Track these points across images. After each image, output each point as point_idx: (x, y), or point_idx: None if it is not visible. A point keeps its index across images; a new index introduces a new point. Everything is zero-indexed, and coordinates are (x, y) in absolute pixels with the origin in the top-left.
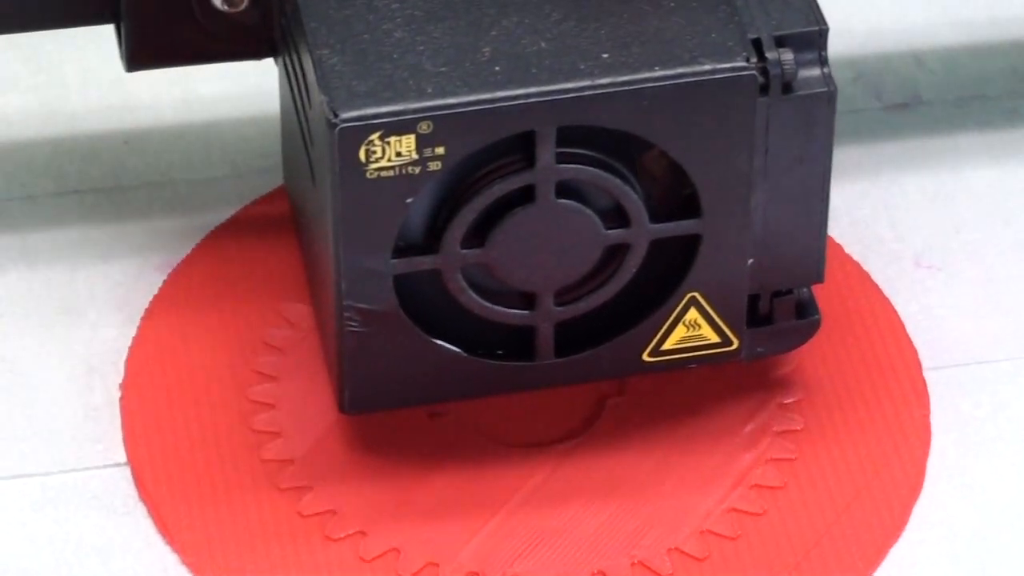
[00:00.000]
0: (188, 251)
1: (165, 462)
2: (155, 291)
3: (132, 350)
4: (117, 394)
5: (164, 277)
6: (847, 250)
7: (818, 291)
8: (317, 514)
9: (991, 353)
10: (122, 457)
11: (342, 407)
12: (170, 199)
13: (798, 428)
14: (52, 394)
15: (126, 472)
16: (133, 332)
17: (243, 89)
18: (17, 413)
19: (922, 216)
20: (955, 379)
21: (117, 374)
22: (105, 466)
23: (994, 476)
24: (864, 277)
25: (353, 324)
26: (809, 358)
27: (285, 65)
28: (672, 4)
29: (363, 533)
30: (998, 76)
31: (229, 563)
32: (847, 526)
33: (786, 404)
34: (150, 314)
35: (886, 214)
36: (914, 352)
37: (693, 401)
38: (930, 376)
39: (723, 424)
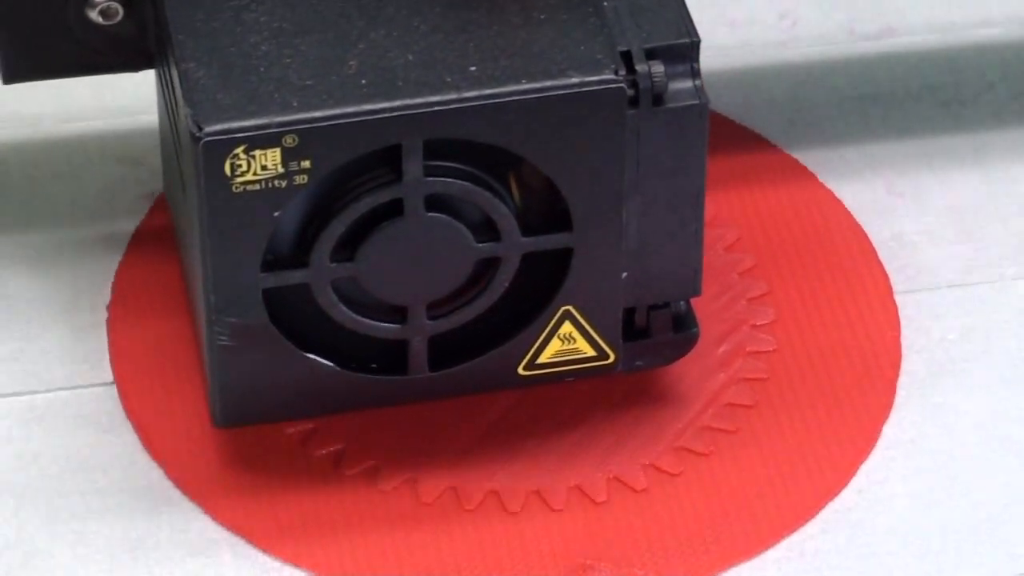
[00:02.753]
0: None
1: (150, 381)
2: (143, 214)
3: (119, 272)
4: (104, 315)
5: (152, 202)
6: (820, 178)
7: (791, 216)
8: (298, 431)
9: (961, 278)
10: (109, 376)
11: (215, 421)
12: (154, 133)
13: (770, 349)
14: (40, 315)
15: (112, 391)
16: (120, 255)
17: None
18: (6, 334)
19: (893, 146)
20: (925, 302)
21: (104, 295)
22: (92, 385)
23: (962, 396)
24: (837, 204)
25: (224, 338)
26: (782, 281)
27: (159, 77)
28: (542, 16)
29: (343, 450)
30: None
31: (212, 476)
32: (819, 443)
33: (759, 326)
34: (137, 236)
35: (858, 145)
36: (885, 276)
37: None
38: (901, 299)
39: (697, 345)
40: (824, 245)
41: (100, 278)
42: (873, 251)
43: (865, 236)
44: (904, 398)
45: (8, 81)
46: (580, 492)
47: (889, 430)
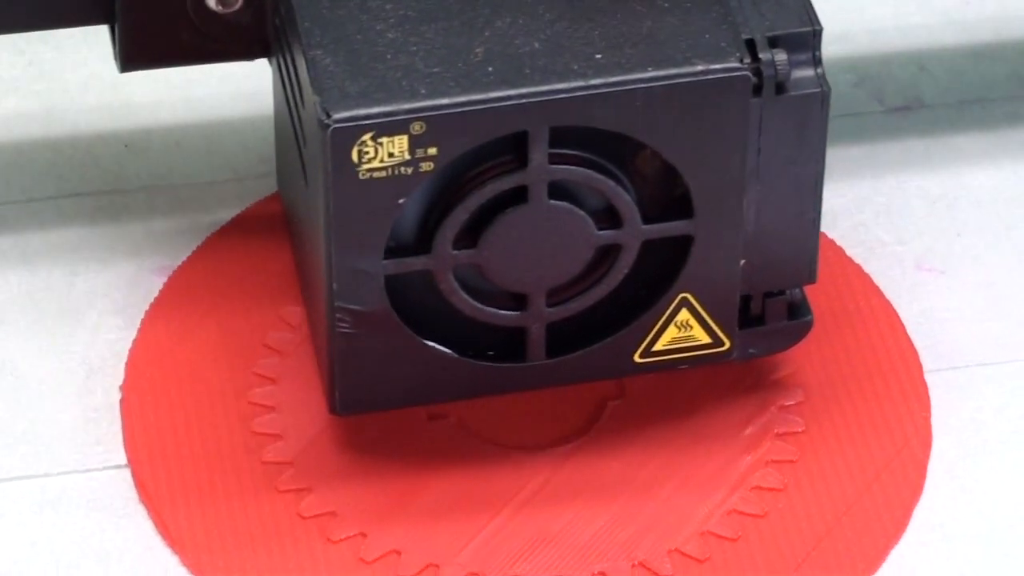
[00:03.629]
0: (188, 254)
1: (165, 464)
2: (155, 294)
3: (132, 352)
4: (117, 396)
5: (164, 280)
6: (848, 252)
7: (819, 293)
8: (317, 516)
9: (992, 356)
10: (122, 459)
11: (333, 408)
12: (170, 202)
13: (799, 430)
14: (52, 396)
15: (126, 474)
16: (133, 335)
17: (241, 92)
18: (18, 415)
19: (923, 219)
20: (956, 382)
21: (117, 376)
22: (105, 468)
23: (995, 479)
24: (865, 279)
25: (344, 325)
26: (810, 360)
27: (279, 65)
28: (666, 4)
29: (363, 534)
30: (999, 79)
31: (229, 564)
32: (848, 528)
33: (787, 406)
34: (150, 316)
35: (887, 217)
36: (915, 354)
37: (693, 403)
38: (931, 379)
39: (723, 426)
40: (852, 322)
41: (113, 357)
42: (903, 328)
43: (894, 313)
44: (935, 480)
45: (124, 69)
46: None
47: (920, 514)
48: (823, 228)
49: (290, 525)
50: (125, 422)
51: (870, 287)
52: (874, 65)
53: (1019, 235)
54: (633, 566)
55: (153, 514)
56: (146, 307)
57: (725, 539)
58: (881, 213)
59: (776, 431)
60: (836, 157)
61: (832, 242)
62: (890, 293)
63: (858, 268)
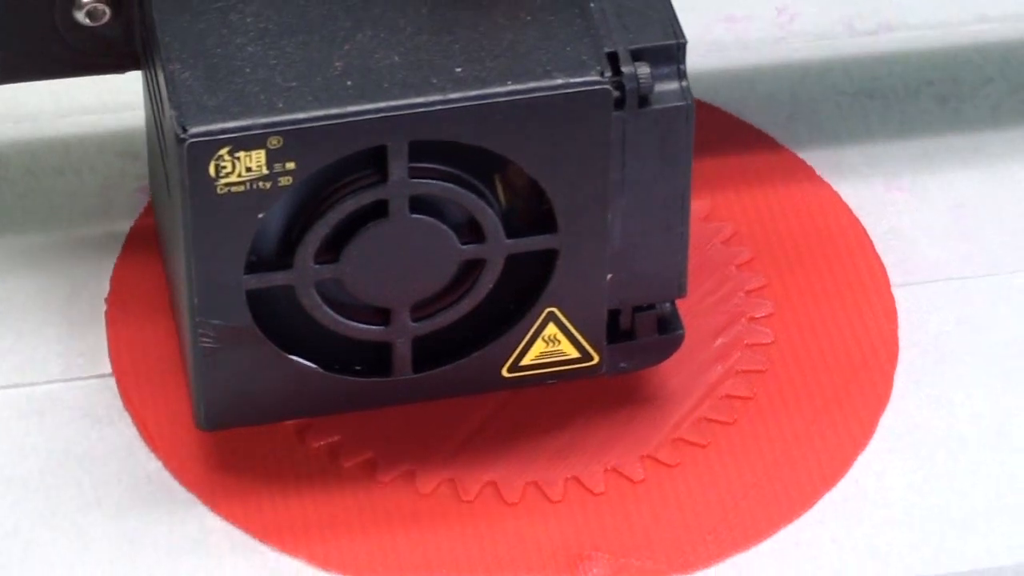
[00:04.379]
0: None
1: (148, 373)
2: (140, 209)
3: (117, 265)
4: (102, 308)
5: (149, 197)
6: (818, 173)
7: (790, 212)
8: (296, 424)
9: (957, 271)
10: (107, 368)
11: (199, 423)
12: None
13: (768, 341)
14: (38, 310)
15: (110, 383)
16: (119, 249)
17: None
18: (5, 327)
19: (892, 141)
20: (923, 295)
21: (102, 289)
22: (90, 377)
23: (959, 389)
24: (835, 198)
25: (207, 340)
26: (780, 274)
27: (146, 79)
28: (528, 18)
29: (340, 442)
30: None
31: (210, 469)
32: (815, 435)
33: (757, 318)
34: (135, 230)
35: (857, 139)
36: (883, 269)
37: None
38: (898, 293)
39: (695, 337)
40: (822, 239)
41: (98, 272)
42: (871, 245)
43: (863, 230)
44: (901, 390)
45: None
46: (578, 483)
47: (886, 422)
48: (794, 149)
49: (271, 432)
50: (110, 332)
51: (840, 206)
52: None
53: (986, 156)
54: (606, 471)
55: (137, 421)
56: (131, 222)
57: (696, 445)
58: (852, 135)
59: (746, 342)
60: (809, 81)
61: (803, 162)
62: (859, 211)
63: (828, 187)
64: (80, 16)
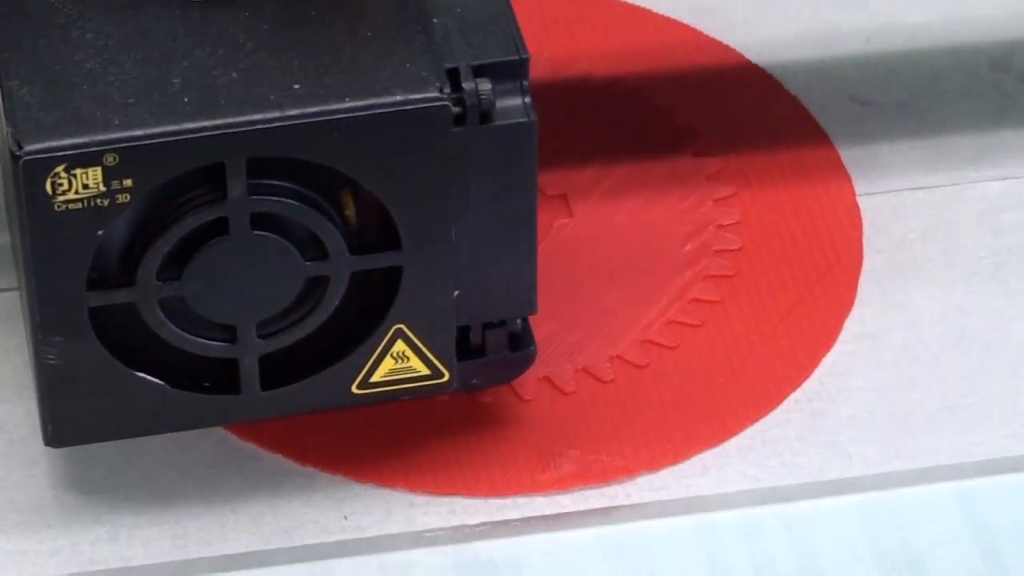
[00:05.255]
0: None
1: None
2: None
3: None
4: None
5: None
6: (786, 86)
7: (758, 123)
8: None
9: (921, 181)
10: None
11: (47, 440)
12: None
13: (736, 247)
14: None
15: None
16: None
17: None
18: None
19: (859, 55)
20: (887, 204)
21: None
22: None
23: (922, 293)
24: (801, 110)
25: (51, 357)
26: (748, 183)
27: None
28: (368, 34)
29: None
30: None
31: None
32: (781, 337)
33: (725, 225)
34: None
35: (823, 53)
36: (848, 178)
37: (635, 222)
38: (863, 201)
39: (664, 244)
40: (789, 149)
41: None
42: (837, 155)
43: (829, 140)
44: (865, 294)
45: None
46: (549, 383)
47: (851, 325)
48: (759, 61)
49: None
50: None
51: (806, 117)
52: None
53: (950, 70)
54: (576, 371)
55: None
56: None
57: (664, 347)
58: (819, 49)
59: (714, 248)
60: (776, 14)
61: (770, 76)
62: (825, 122)
63: (795, 99)
64: None
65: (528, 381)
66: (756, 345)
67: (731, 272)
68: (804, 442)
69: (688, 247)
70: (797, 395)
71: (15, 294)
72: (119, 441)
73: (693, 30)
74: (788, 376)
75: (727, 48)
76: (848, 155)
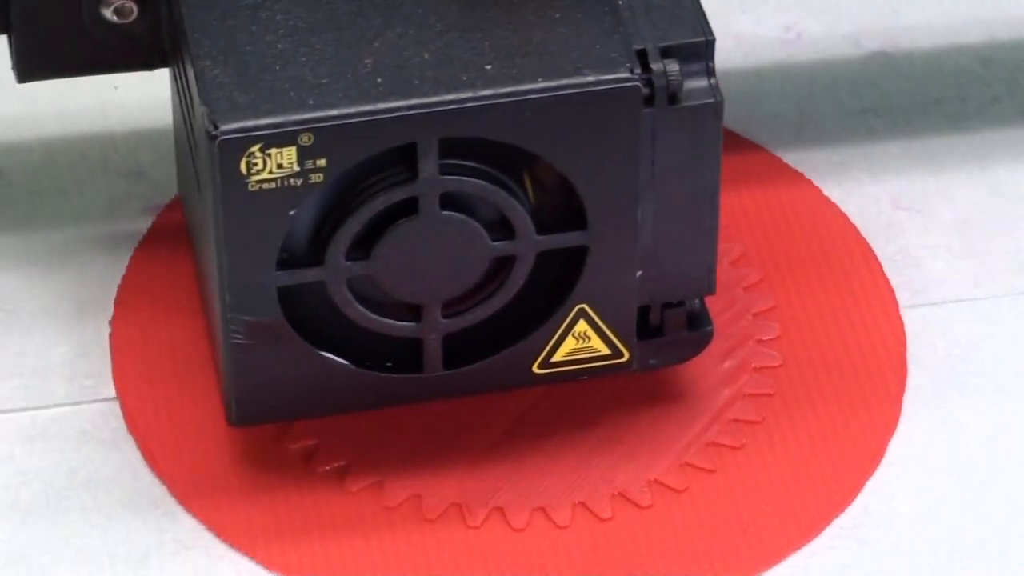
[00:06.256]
0: (176, 192)
1: (153, 397)
2: (144, 231)
3: (121, 287)
4: (107, 331)
5: (153, 218)
6: (826, 193)
7: (796, 232)
8: (302, 447)
9: (966, 292)
10: (111, 392)
11: (230, 420)
12: (158, 145)
13: (776, 364)
14: (43, 331)
15: (115, 407)
16: (122, 271)
17: None
18: (8, 349)
19: (899, 159)
20: (931, 317)
21: (107, 312)
22: (94, 401)
23: (968, 411)
24: (843, 218)
25: (238, 336)
26: (787, 296)
27: (174, 76)
28: (557, 15)
29: (347, 466)
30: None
31: (216, 493)
32: (824, 460)
33: (765, 341)
34: (139, 253)
35: (864, 158)
36: (891, 290)
37: None
38: (907, 314)
39: (702, 360)
40: (830, 259)
41: (103, 293)
42: (879, 265)
43: (870, 250)
44: (910, 413)
45: (22, 80)
46: (585, 509)
47: (895, 446)
48: (801, 171)
49: (276, 454)
50: (114, 356)
51: (847, 226)
52: (852, 4)
53: (993, 174)
54: (613, 496)
55: (141, 445)
56: (135, 244)
57: (703, 470)
58: (858, 154)
59: (754, 365)
60: (815, 99)
61: (810, 182)
62: (867, 232)
63: (836, 207)
64: (108, 13)
65: (563, 506)
66: (798, 468)
67: (771, 390)
68: (849, 572)
69: (727, 363)
70: (841, 521)
71: None
72: None
73: (731, 133)
74: (831, 501)
75: (766, 153)
76: (890, 264)
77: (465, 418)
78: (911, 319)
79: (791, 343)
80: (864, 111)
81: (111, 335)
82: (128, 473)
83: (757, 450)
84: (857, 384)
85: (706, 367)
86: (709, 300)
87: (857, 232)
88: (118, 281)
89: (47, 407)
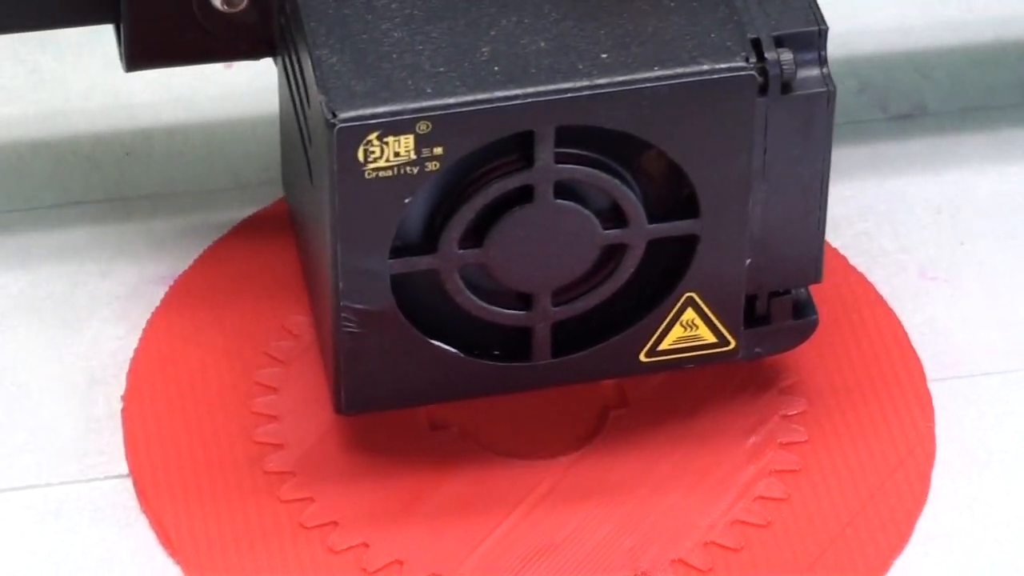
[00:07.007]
0: (190, 262)
1: (167, 474)
2: (157, 303)
3: (134, 361)
4: (119, 405)
5: (166, 288)
6: (852, 261)
7: (822, 302)
8: (319, 525)
9: (996, 365)
10: (124, 469)
11: (339, 408)
12: (172, 209)
13: (802, 440)
14: (54, 405)
15: (128, 484)
16: (135, 343)
17: (244, 100)
18: (19, 424)
19: (927, 227)
20: (959, 390)
21: (119, 385)
22: (107, 478)
23: (999, 488)
24: (868, 288)
25: (350, 325)
26: (813, 369)
27: (284, 65)
28: (672, 4)
29: (366, 544)
30: (1002, 85)
31: (231, 574)
32: (851, 538)
33: (790, 416)
34: (152, 325)
35: (891, 225)
36: (918, 363)
37: (696, 412)
38: (934, 387)
39: (726, 436)
40: (856, 331)
41: (115, 368)
42: (906, 337)
43: (898, 321)
44: (938, 490)
45: (130, 69)
46: None
47: (923, 524)
48: (826, 236)
49: (292, 535)
50: (127, 431)
51: (873, 296)
52: (877, 71)
53: (1022, 242)
54: None
55: (155, 523)
56: (148, 316)
57: (728, 549)
58: (884, 221)
59: (779, 441)
60: (839, 164)
61: (836, 251)
62: (893, 302)
63: (861, 277)
64: (218, 3)
65: None
66: (824, 547)
67: (797, 467)
68: None
69: (752, 440)
70: None
71: None
72: None
73: None
74: None
75: None
76: (917, 336)
77: (484, 497)
78: (939, 392)
79: (817, 418)
80: (890, 171)
81: (123, 410)
82: (141, 552)
83: (783, 528)
84: (884, 459)
85: (731, 443)
86: (725, 376)
87: (883, 302)
88: (131, 354)
89: (58, 484)
